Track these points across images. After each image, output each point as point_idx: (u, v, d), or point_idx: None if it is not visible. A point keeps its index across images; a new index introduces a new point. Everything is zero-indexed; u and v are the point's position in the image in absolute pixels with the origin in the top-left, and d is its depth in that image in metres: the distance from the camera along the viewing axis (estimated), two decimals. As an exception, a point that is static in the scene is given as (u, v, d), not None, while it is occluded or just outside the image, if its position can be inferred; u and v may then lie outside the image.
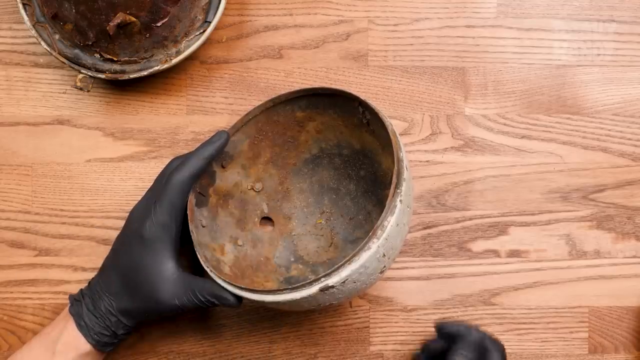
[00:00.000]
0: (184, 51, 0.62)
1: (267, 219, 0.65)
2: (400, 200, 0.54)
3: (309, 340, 0.67)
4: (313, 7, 0.66)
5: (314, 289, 0.53)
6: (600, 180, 0.66)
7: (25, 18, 0.62)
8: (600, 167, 0.66)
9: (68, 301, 0.62)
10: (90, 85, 0.63)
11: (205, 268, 0.57)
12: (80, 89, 0.63)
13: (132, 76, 0.62)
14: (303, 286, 0.53)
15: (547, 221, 0.66)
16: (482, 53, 0.66)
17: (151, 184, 0.61)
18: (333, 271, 0.53)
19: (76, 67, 0.62)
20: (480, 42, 0.67)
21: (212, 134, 0.61)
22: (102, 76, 0.62)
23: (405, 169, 0.55)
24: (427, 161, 0.66)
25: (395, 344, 0.67)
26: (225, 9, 0.62)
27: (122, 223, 0.66)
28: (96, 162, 0.66)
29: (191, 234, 0.58)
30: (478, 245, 0.66)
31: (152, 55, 0.63)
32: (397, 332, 0.67)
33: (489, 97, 0.66)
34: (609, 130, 0.66)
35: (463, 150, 0.66)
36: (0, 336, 0.66)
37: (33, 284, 0.66)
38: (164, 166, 0.64)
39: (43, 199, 0.66)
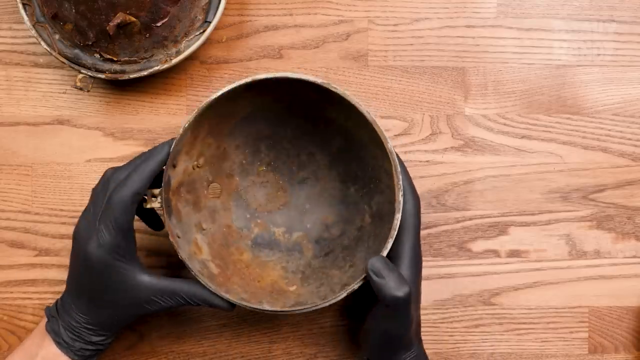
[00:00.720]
0: (184, 51, 0.62)
1: (214, 186, 0.64)
2: (402, 195, 0.55)
3: (309, 340, 0.67)
4: (313, 7, 0.66)
5: (320, 307, 0.56)
6: (600, 180, 0.66)
7: (25, 18, 0.62)
8: (600, 167, 0.66)
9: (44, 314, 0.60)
10: (90, 85, 0.63)
11: (207, 285, 0.56)
12: (80, 89, 0.63)
13: (132, 76, 0.62)
14: (308, 307, 0.56)
15: (547, 221, 0.66)
16: (482, 53, 0.66)
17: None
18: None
19: (76, 67, 0.62)
20: (480, 42, 0.67)
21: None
22: (102, 76, 0.62)
23: (397, 160, 0.56)
24: (427, 161, 0.66)
25: (395, 344, 0.66)
26: (225, 9, 0.62)
27: (122, 223, 0.66)
28: (96, 162, 0.66)
29: (183, 261, 0.57)
30: (478, 245, 0.66)
31: (152, 55, 0.63)
32: (397, 332, 0.66)
33: (489, 97, 0.66)
34: (609, 130, 0.66)
35: (463, 150, 0.66)
36: (0, 336, 0.66)
37: (33, 284, 0.66)
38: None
39: (43, 199, 0.66)
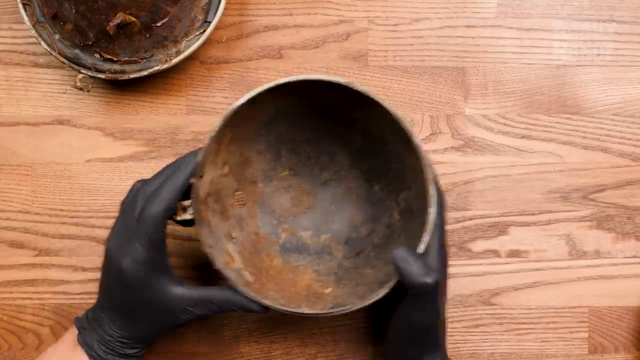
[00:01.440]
0: (184, 51, 0.62)
1: (239, 194, 0.63)
2: (434, 188, 0.55)
3: (309, 340, 0.67)
4: (313, 7, 0.66)
5: (360, 306, 0.56)
6: (600, 180, 0.66)
7: (25, 18, 0.62)
8: (600, 167, 0.66)
9: (74, 325, 0.59)
10: (90, 85, 0.63)
11: (246, 294, 0.56)
12: (80, 89, 0.63)
13: (132, 76, 0.62)
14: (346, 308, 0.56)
15: (547, 221, 0.66)
16: (482, 53, 0.66)
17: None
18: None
19: (76, 67, 0.62)
20: (480, 42, 0.67)
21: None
22: (102, 76, 0.62)
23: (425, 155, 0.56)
24: (427, 161, 0.66)
25: (395, 344, 0.66)
26: (225, 9, 0.62)
27: (122, 223, 0.66)
28: (96, 162, 0.66)
29: (220, 272, 0.56)
30: (478, 245, 0.66)
31: (152, 55, 0.63)
32: (397, 332, 0.66)
33: (489, 97, 0.66)
34: (609, 130, 0.66)
35: (463, 150, 0.66)
36: (0, 336, 0.66)
37: (33, 284, 0.66)
38: (164, 165, 0.64)
39: (43, 199, 0.66)
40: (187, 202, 0.56)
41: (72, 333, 0.58)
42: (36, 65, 0.66)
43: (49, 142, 0.66)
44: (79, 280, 0.66)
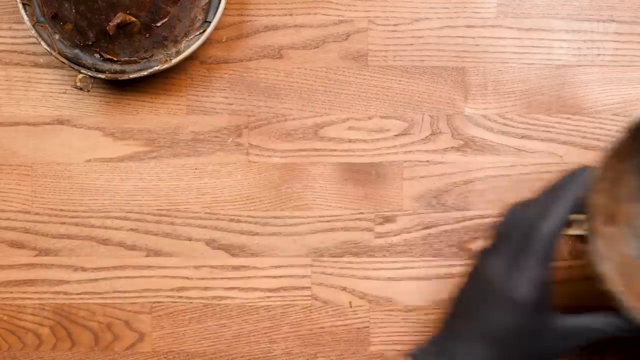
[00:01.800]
0: (184, 51, 0.62)
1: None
2: None
3: (309, 340, 0.67)
4: (313, 7, 0.66)
5: None
6: (600, 180, 0.66)
7: (25, 18, 0.62)
8: (600, 167, 0.66)
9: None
10: (90, 85, 0.63)
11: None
12: (80, 89, 0.63)
13: (132, 76, 0.62)
14: None
15: (547, 221, 0.66)
16: (482, 53, 0.66)
17: (157, 183, 0.60)
18: None
19: (76, 67, 0.62)
20: (480, 42, 0.66)
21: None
22: (102, 76, 0.62)
23: None
24: (427, 161, 0.66)
25: (395, 344, 0.66)
26: (225, 9, 0.62)
27: (122, 223, 0.66)
28: (96, 162, 0.66)
29: (615, 296, 0.51)
30: (478, 246, 0.66)
31: (152, 56, 0.63)
32: (398, 332, 0.66)
33: (489, 97, 0.66)
34: (609, 130, 0.66)
35: (463, 150, 0.66)
36: (0, 336, 0.66)
37: (33, 284, 0.66)
38: (164, 166, 0.64)
39: (43, 199, 0.66)
40: (578, 216, 0.53)
41: None
42: (36, 65, 0.66)
43: (49, 142, 0.66)
44: (79, 280, 0.66)
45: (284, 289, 0.66)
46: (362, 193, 0.66)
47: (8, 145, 0.66)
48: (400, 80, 0.66)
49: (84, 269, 0.66)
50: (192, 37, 0.63)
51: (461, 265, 0.66)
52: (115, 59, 0.63)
